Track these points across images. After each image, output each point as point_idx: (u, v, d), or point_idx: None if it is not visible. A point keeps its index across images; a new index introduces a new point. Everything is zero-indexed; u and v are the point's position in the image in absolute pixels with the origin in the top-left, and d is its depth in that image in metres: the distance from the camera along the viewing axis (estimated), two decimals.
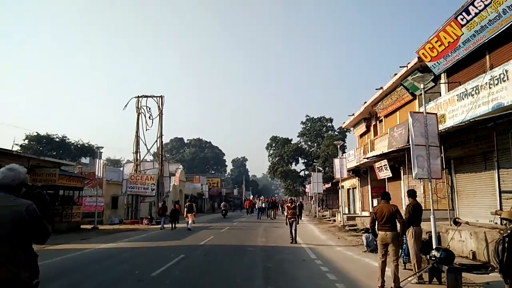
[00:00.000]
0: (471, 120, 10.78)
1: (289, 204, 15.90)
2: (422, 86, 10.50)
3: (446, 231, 11.54)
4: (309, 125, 61.91)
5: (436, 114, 10.88)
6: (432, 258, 7.16)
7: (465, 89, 11.69)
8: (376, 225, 7.39)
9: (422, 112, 10.40)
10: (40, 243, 2.72)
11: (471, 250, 10.14)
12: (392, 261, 6.97)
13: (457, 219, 8.78)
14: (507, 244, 5.27)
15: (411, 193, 8.54)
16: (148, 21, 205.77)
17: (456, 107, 12.22)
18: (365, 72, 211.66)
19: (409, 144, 15.40)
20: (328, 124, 61.40)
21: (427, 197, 15.30)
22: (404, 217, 7.58)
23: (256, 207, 37.07)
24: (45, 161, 22.07)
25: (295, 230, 14.59)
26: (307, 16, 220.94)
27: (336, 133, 59.64)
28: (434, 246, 9.10)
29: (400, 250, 9.21)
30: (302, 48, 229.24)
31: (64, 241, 16.09)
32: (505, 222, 5.44)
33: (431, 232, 9.76)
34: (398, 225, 7.24)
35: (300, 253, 11.91)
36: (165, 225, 23.15)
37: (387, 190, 20.57)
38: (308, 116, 62.20)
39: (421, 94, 16.79)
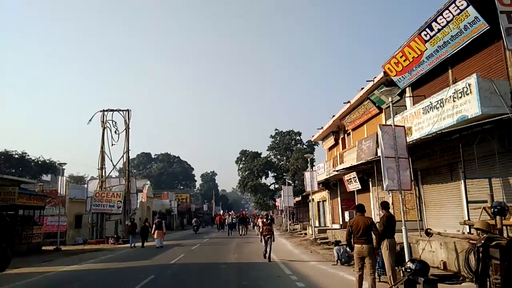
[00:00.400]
0: (437, 132, 11.10)
1: (264, 220, 15.13)
2: (390, 99, 10.75)
3: (416, 241, 11.71)
4: (278, 138, 62.27)
5: (404, 126, 11.15)
6: (408, 270, 7.14)
7: (430, 102, 12.06)
8: (352, 238, 7.35)
9: (391, 125, 10.62)
10: None
11: (442, 260, 10.30)
12: (369, 274, 6.93)
13: (428, 230, 8.90)
14: (481, 254, 5.30)
15: (384, 205, 8.60)
16: (113, 30, 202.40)
17: (422, 119, 12.57)
18: (334, 86, 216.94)
19: (378, 157, 15.81)
20: (297, 137, 61.97)
21: (396, 208, 15.67)
22: (379, 229, 7.59)
23: (226, 223, 35.85)
24: (3, 179, 20.81)
25: (270, 247, 13.74)
26: (276, 29, 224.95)
27: (305, 146, 60.28)
28: (407, 258, 9.20)
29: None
30: (270, 62, 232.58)
31: (24, 264, 15.11)
32: (478, 232, 5.50)
33: (402, 243, 9.88)
34: (374, 237, 7.23)
35: (275, 269, 11.71)
36: (135, 244, 22.73)
37: (356, 202, 20.87)
38: (277, 129, 62.62)
39: (387, 107, 17.40)
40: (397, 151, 10.26)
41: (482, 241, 5.20)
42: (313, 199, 30.40)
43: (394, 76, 14.89)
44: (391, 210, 16.90)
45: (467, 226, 9.73)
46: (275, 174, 61.38)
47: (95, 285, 9.97)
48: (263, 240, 14.06)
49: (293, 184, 47.07)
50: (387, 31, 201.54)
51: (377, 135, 16.83)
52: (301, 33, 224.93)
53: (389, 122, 12.80)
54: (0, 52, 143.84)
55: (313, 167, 25.97)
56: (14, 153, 44.55)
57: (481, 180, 10.66)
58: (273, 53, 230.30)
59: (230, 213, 41.55)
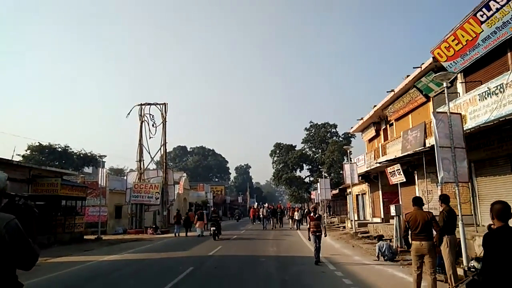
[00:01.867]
0: (499, 120, 10.10)
1: (312, 214, 12.03)
2: (444, 83, 9.87)
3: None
4: (313, 131, 61.25)
5: (460, 114, 10.24)
6: (472, 269, 6.46)
7: (488, 88, 11.06)
8: (410, 234, 6.71)
9: (446, 112, 9.79)
10: (25, 268, 2.08)
11: None
12: (429, 273, 6.30)
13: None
14: None
15: (444, 198, 7.76)
16: (149, 27, 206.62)
17: (478, 107, 11.58)
18: (373, 77, 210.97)
19: (426, 147, 14.89)
20: (333, 130, 60.72)
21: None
22: (439, 225, 6.90)
23: (261, 215, 32.82)
24: (47, 171, 21.52)
25: (319, 247, 11.25)
26: (314, 16, 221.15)
27: (341, 138, 59.00)
28: (463, 255, 8.45)
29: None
30: (309, 52, 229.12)
31: (67, 253, 15.50)
32: None
33: (458, 239, 9.10)
34: (434, 233, 6.57)
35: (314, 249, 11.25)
36: (179, 233, 24.26)
37: (400, 196, 19.97)
38: (312, 122, 61.57)
39: (436, 95, 16.39)
40: (453, 140, 9.43)
41: None
42: (351, 192, 29.54)
43: (445, 61, 13.87)
44: (439, 205, 16.01)
45: None
46: (310, 167, 60.54)
47: (135, 276, 9.88)
48: (311, 238, 11.67)
49: (329, 177, 46.11)
50: (437, 14, 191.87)
51: (425, 124, 15.85)
52: (338, 17, 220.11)
53: (439, 111, 11.88)
54: (40, 51, 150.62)
55: (352, 159, 25.08)
56: (57, 146, 46.35)
57: None
58: (311, 42, 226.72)
59: (264, 205, 39.30)
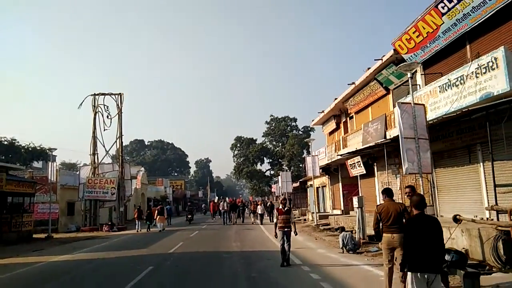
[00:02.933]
0: (460, 111, 10.24)
1: (281, 207, 10.14)
2: (408, 74, 9.86)
3: None
4: (273, 124, 61.51)
5: (423, 105, 10.32)
6: None
7: (448, 79, 11.20)
8: (380, 226, 6.52)
9: (410, 103, 9.81)
10: None
11: (464, 248, 9.56)
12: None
13: (458, 216, 8.16)
14: None
15: (413, 189, 7.52)
16: (105, 13, 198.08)
17: (439, 99, 11.72)
18: (335, 71, 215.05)
19: (387, 139, 15.06)
20: (293, 123, 61.30)
21: (403, 193, 14.97)
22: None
23: (221, 210, 29.95)
24: None
25: (289, 245, 9.69)
26: (275, 5, 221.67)
27: (300, 132, 59.64)
28: None
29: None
30: (270, 45, 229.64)
31: (13, 254, 14.36)
32: None
33: None
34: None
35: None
36: (141, 229, 24.10)
37: (360, 188, 20.25)
38: (272, 116, 61.86)
39: (396, 88, 16.60)
40: (416, 131, 9.47)
41: None
42: (312, 185, 29.75)
43: (405, 53, 14.02)
44: (399, 195, 16.29)
45: (495, 212, 9.01)
46: (270, 160, 60.83)
47: (87, 279, 9.11)
48: (279, 235, 9.82)
49: (289, 170, 46.41)
50: (399, 6, 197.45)
51: (385, 116, 16.03)
52: (298, 8, 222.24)
53: (404, 101, 11.92)
54: None
55: (312, 152, 25.17)
56: (3, 139, 43.12)
57: (505, 162, 9.89)
58: (270, 34, 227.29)
59: (224, 198, 36.39)
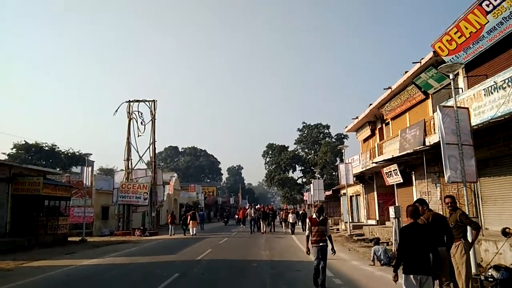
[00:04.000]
0: (507, 116, 9.42)
1: (315, 215, 8.15)
2: (450, 76, 9.19)
3: (478, 241, 10.14)
4: (306, 132, 60.78)
5: (468, 108, 9.57)
6: (490, 279, 5.77)
7: (494, 82, 10.37)
8: None
9: (453, 107, 9.12)
10: None
11: (511, 264, 8.76)
12: (444, 285, 5.58)
13: (507, 229, 7.41)
14: None
15: (453, 200, 6.88)
16: (139, 21, 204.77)
17: (483, 102, 10.88)
18: (370, 76, 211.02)
19: (425, 146, 14.22)
20: (325, 130, 60.31)
21: (443, 203, 14.05)
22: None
23: (248, 218, 28.04)
24: (29, 169, 20.48)
25: (325, 265, 7.77)
26: (307, 13, 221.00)
27: (333, 139, 58.54)
28: (472, 261, 7.73)
29: None
30: (303, 51, 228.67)
31: (46, 256, 14.58)
32: None
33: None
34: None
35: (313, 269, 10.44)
36: (174, 233, 25.36)
37: (396, 197, 19.31)
38: (305, 123, 61.14)
39: (438, 91, 15.73)
40: (460, 136, 8.77)
41: None
42: (345, 193, 28.89)
43: (446, 55, 13.23)
44: (439, 206, 15.34)
45: None
46: (302, 168, 60.01)
47: (113, 284, 9.00)
48: (312, 252, 7.94)
49: (321, 178, 45.54)
50: (438, 7, 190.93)
51: (424, 122, 15.20)
52: (331, 14, 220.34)
53: (446, 105, 11.17)
54: (21, 41, 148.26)
55: (346, 160, 24.41)
56: (44, 145, 45.07)
57: None
58: (304, 40, 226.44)
59: (252, 205, 33.10)
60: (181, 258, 13.45)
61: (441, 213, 14.81)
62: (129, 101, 28.64)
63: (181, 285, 8.64)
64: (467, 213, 6.82)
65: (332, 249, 7.99)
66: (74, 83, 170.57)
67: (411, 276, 4.78)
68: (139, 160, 29.35)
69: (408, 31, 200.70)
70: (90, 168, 23.54)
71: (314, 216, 8.14)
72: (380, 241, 16.23)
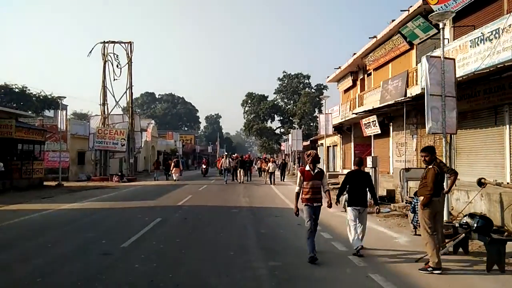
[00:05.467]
0: (492, 68, 9.43)
1: (309, 167, 6.39)
2: (441, 25, 8.97)
3: (450, 191, 10.53)
4: (286, 81, 60.20)
5: (454, 59, 9.49)
6: (464, 226, 6.01)
7: (481, 33, 10.27)
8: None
9: (439, 57, 9.01)
10: None
11: (482, 213, 9.16)
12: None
13: (482, 180, 7.67)
14: None
15: (432, 150, 6.66)
16: None
17: (469, 54, 10.85)
18: (355, 26, 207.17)
19: (407, 98, 14.30)
20: (306, 81, 59.92)
21: (418, 155, 14.41)
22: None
23: (223, 167, 25.34)
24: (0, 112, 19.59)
25: (315, 228, 6.30)
26: None
27: (313, 90, 58.36)
28: (445, 210, 8.05)
29: (413, 214, 8.14)
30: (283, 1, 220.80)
31: (23, 200, 14.42)
32: None
33: None
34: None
35: (292, 215, 10.63)
36: (158, 178, 27.60)
37: (373, 148, 19.71)
38: (285, 72, 60.38)
39: (423, 41, 15.54)
40: (444, 88, 8.76)
41: None
42: (322, 144, 29.33)
43: (435, 4, 12.88)
44: (414, 157, 15.76)
45: None
46: (281, 118, 60.13)
47: (95, 228, 8.98)
48: (305, 211, 6.30)
49: (300, 129, 45.91)
50: None
51: (407, 73, 15.17)
52: None
53: (433, 55, 11.05)
54: None
55: (325, 111, 24.44)
56: (14, 87, 42.98)
57: None
58: None
59: (226, 154, 28.61)
60: (162, 203, 13.53)
61: (415, 163, 15.35)
62: (104, 42, 27.24)
63: (164, 229, 8.71)
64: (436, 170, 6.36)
65: (329, 204, 6.44)
66: (47, 21, 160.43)
67: (352, 207, 6.75)
68: (116, 105, 28.55)
69: None
70: (64, 112, 22.77)
71: (307, 168, 6.29)
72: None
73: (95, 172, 27.14)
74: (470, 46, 10.75)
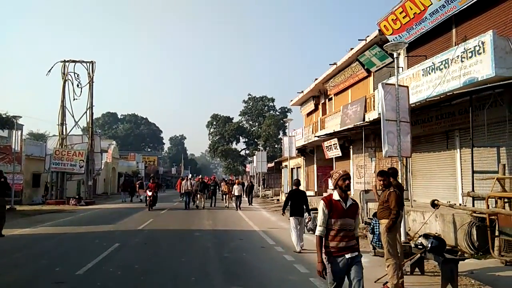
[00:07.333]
0: (447, 94, 10.03)
1: (338, 195, 4.02)
2: (395, 54, 9.52)
3: (407, 212, 10.94)
4: (251, 104, 60.93)
5: (407, 87, 10.03)
6: (419, 246, 6.25)
7: (432, 63, 10.99)
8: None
9: (394, 84, 9.52)
10: None
11: (436, 233, 9.55)
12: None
13: (435, 201, 8.04)
14: None
15: (394, 173, 7.02)
16: None
17: (421, 82, 11.54)
18: (316, 52, 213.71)
19: (365, 122, 14.86)
20: (270, 103, 60.89)
21: (372, 177, 14.91)
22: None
23: (183, 190, 22.89)
24: None
25: None
26: None
27: (277, 113, 59.35)
28: (402, 231, 8.33)
29: (372, 235, 8.35)
30: (249, 24, 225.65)
31: None
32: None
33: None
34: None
35: (256, 238, 10.67)
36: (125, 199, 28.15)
37: (334, 169, 20.20)
38: (250, 95, 61.16)
39: (377, 70, 16.35)
40: (399, 113, 9.22)
41: None
42: (287, 166, 29.65)
43: (390, 34, 13.70)
44: (372, 179, 16.29)
45: (469, 198, 8.97)
46: (246, 139, 60.53)
47: (49, 254, 8.52)
48: (330, 273, 3.91)
49: (264, 151, 46.30)
50: None
51: (365, 99, 15.84)
52: None
53: (388, 82, 11.63)
54: None
55: (289, 133, 24.91)
56: None
57: (484, 149, 9.84)
58: (252, 11, 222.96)
59: (189, 176, 26.70)
60: (121, 228, 13.08)
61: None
62: (65, 61, 26.51)
63: (122, 255, 8.40)
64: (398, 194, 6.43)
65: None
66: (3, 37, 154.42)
67: (293, 217, 9.01)
68: (75, 125, 27.61)
69: (357, 9, 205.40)
70: (19, 132, 21.77)
71: (336, 197, 4.00)
72: (317, 211, 16.98)
73: (51, 195, 25.86)
74: (423, 75, 11.44)
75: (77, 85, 26.47)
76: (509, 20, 9.71)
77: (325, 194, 22.14)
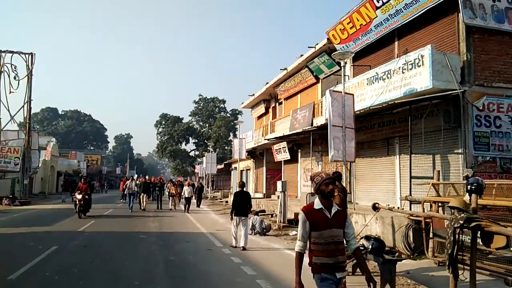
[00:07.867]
0: (389, 103, 10.58)
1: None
2: (342, 63, 9.96)
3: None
4: (201, 104, 60.34)
5: (353, 95, 10.49)
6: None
7: (376, 73, 11.56)
8: None
9: (341, 92, 9.92)
10: None
11: (376, 235, 10.06)
12: None
13: (376, 205, 8.42)
14: (458, 235, 4.68)
15: (339, 177, 7.39)
16: None
17: (365, 90, 12.08)
18: (268, 57, 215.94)
19: (313, 127, 15.32)
20: (221, 105, 60.68)
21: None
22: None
23: (126, 191, 20.91)
24: None
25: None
26: None
27: (228, 114, 59.30)
28: None
29: None
30: (202, 25, 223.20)
31: None
32: (452, 211, 4.91)
33: None
34: None
35: (203, 240, 10.57)
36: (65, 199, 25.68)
37: (283, 173, 20.59)
38: (201, 95, 60.58)
39: (325, 77, 16.92)
40: (344, 120, 9.63)
41: (461, 221, 4.54)
42: (236, 168, 29.74)
43: (338, 44, 14.26)
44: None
45: (407, 202, 9.53)
46: (196, 140, 59.81)
47: None
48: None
49: (214, 152, 46.05)
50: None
51: (314, 104, 16.30)
52: None
53: (335, 90, 12.07)
54: None
55: (239, 135, 25.04)
56: None
57: (421, 156, 10.51)
58: (206, 15, 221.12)
59: (135, 177, 26.34)
60: (60, 229, 12.37)
61: None
62: (1, 51, 24.65)
63: (59, 258, 7.93)
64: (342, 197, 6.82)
65: (370, 280, 3.51)
66: None
67: (237, 216, 9.47)
68: (10, 120, 25.68)
69: (311, 15, 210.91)
70: None
71: (317, 205, 3.45)
72: (265, 213, 17.22)
73: None
74: (367, 84, 11.99)
75: (14, 78, 24.70)
76: (445, 37, 10.49)
77: (273, 196, 22.53)
